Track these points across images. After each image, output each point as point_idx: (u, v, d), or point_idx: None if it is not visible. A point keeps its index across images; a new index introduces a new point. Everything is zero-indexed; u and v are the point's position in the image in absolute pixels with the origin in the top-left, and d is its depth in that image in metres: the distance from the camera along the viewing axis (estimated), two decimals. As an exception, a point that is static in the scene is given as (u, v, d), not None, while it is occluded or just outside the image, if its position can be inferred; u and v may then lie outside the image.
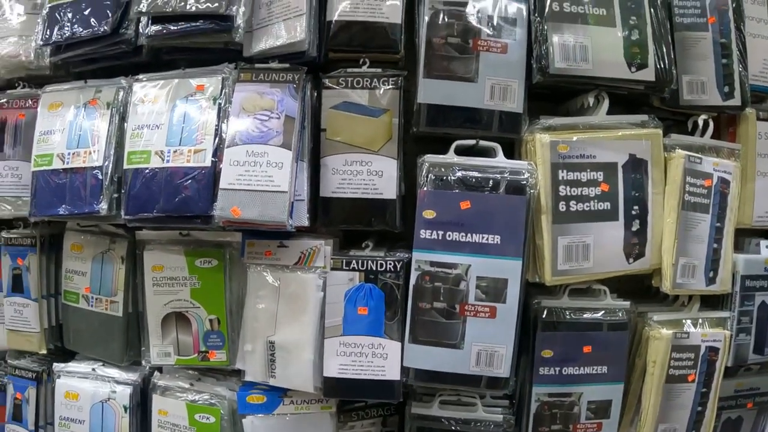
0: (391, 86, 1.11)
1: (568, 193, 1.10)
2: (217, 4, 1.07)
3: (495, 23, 1.11)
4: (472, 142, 1.11)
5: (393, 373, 1.09)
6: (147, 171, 1.10)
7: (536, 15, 1.12)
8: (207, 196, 1.06)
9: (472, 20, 1.10)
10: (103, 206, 1.13)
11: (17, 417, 1.36)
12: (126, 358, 1.25)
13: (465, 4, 1.11)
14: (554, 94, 1.23)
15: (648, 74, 1.12)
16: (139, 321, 1.24)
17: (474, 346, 1.06)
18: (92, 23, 1.15)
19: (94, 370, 1.26)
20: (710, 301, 1.21)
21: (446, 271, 1.06)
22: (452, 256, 1.06)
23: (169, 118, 1.11)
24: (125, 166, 1.12)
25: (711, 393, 1.17)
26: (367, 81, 1.11)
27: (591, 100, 1.17)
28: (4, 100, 1.31)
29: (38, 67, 1.26)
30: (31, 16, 1.28)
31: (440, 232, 1.06)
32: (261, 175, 1.04)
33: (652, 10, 1.14)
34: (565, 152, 1.11)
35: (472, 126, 1.10)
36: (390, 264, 1.09)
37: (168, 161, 1.09)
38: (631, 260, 1.13)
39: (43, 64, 1.26)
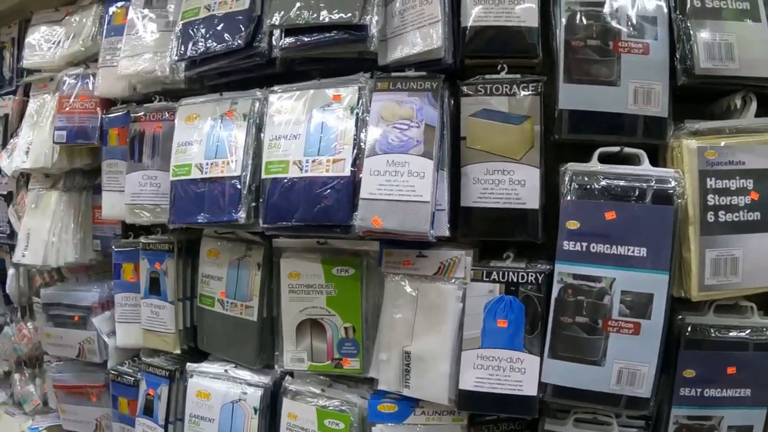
0: (530, 92, 1.07)
1: (717, 203, 1.03)
2: (350, 15, 1.07)
3: (635, 23, 1.05)
4: (616, 149, 1.06)
5: (530, 389, 1.05)
6: (285, 180, 1.12)
7: (677, 12, 1.05)
8: (347, 205, 1.07)
9: (611, 20, 1.05)
10: (242, 215, 1.16)
11: (148, 412, 1.43)
12: (258, 362, 1.28)
13: (602, 4, 1.06)
14: (697, 95, 1.16)
15: (798, 72, 1.03)
16: (273, 326, 1.27)
17: (616, 363, 1.01)
18: (226, 38, 1.19)
19: (226, 371, 1.30)
20: None
21: (590, 284, 1.01)
22: (596, 268, 1.01)
23: (307, 128, 1.13)
24: (263, 176, 1.15)
25: None
26: (506, 87, 1.08)
27: (738, 102, 1.09)
28: (142, 113, 1.38)
29: (173, 81, 1.32)
30: (164, 33, 1.35)
31: (584, 244, 1.01)
32: (402, 185, 1.03)
33: (799, 0, 1.05)
34: (714, 159, 1.04)
35: (616, 132, 1.05)
36: (531, 276, 1.05)
37: (306, 171, 1.10)
38: (782, 275, 1.05)
39: (177, 78, 1.32)
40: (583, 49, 1.05)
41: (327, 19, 1.08)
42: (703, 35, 1.03)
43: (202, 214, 1.20)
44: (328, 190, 1.08)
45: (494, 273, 1.07)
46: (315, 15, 1.10)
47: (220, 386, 1.29)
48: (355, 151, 1.09)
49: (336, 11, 1.08)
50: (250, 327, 1.27)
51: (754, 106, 1.07)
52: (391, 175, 1.04)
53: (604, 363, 1.02)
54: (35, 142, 1.60)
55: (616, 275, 1.01)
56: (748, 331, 1.05)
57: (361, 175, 1.07)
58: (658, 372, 1.02)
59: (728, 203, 1.03)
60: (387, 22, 1.12)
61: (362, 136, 1.09)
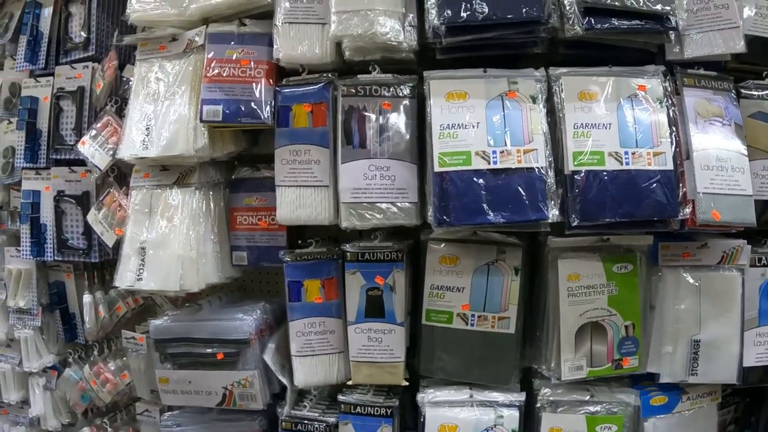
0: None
1: None
2: (662, 6, 1.03)
3: None
4: None
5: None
6: (604, 173, 1.01)
7: None
8: (674, 199, 1.02)
9: None
10: (554, 212, 1.01)
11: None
12: (513, 379, 1.12)
13: None
14: None
15: None
16: (528, 336, 1.14)
17: None
18: (519, 6, 1.01)
19: (471, 396, 1.11)
20: None
21: None
22: None
23: (618, 119, 1.03)
24: (572, 168, 1.02)
25: None
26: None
27: None
28: (361, 86, 1.06)
29: (408, 49, 1.05)
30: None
31: None
32: (728, 179, 1.04)
33: None
34: None
35: None
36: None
37: (627, 163, 1.02)
38: None
39: (409, 45, 1.05)
40: None
41: (639, 4, 1.02)
42: None
43: (498, 212, 0.99)
44: (655, 184, 1.01)
45: (764, 258, 1.15)
46: (628, -1, 1.01)
47: (469, 415, 1.10)
48: (673, 144, 1.05)
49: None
50: (506, 341, 1.11)
51: None
52: (718, 170, 1.04)
53: None
54: (161, 122, 1.10)
55: None
56: None
57: (683, 169, 1.04)
58: None
59: None
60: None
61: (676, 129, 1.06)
